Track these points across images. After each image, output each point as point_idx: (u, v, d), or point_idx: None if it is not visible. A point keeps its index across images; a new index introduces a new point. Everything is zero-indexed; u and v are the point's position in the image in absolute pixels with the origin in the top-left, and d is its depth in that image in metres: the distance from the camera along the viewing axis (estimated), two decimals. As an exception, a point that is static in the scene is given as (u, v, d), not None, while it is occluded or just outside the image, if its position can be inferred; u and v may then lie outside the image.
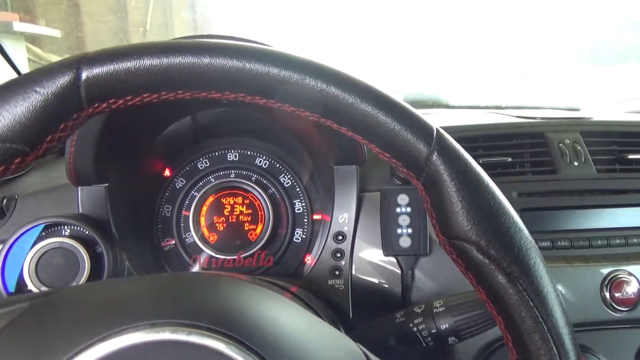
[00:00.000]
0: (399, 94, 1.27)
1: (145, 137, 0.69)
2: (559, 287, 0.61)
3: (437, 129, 0.33)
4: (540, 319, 0.31)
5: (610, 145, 0.73)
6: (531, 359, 0.32)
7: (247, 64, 0.31)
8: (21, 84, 0.29)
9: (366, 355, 0.34)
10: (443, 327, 0.48)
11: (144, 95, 0.31)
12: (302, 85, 0.31)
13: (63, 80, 0.29)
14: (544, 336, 0.31)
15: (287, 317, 0.33)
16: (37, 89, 0.29)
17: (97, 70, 0.29)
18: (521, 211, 0.66)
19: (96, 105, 0.30)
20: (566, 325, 0.32)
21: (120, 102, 0.30)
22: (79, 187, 0.60)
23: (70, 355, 0.26)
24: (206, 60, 0.31)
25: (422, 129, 0.32)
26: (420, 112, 0.33)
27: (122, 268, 0.60)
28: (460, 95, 1.30)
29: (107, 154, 0.59)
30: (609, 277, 0.60)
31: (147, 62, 0.30)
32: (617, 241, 0.64)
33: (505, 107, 1.10)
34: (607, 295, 0.60)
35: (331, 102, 0.32)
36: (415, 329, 0.49)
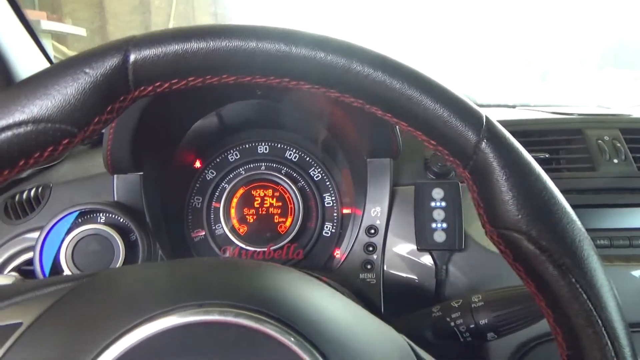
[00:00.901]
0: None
1: (177, 129, 0.69)
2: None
3: (486, 116, 0.32)
4: (594, 313, 0.30)
5: (652, 143, 0.71)
6: (583, 354, 0.31)
7: (293, 48, 0.30)
8: (71, 65, 0.29)
9: (410, 346, 0.33)
10: (482, 322, 0.47)
11: (190, 79, 0.31)
12: (348, 71, 0.31)
13: (112, 62, 0.28)
14: (597, 330, 0.30)
15: (331, 303, 0.33)
16: (87, 70, 0.28)
17: (145, 53, 0.29)
18: (558, 208, 0.64)
19: (142, 88, 0.30)
20: (621, 320, 0.31)
21: (166, 85, 0.30)
22: (115, 175, 0.61)
23: (117, 334, 0.26)
24: (252, 44, 0.30)
25: (471, 116, 0.31)
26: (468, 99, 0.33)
27: (155, 256, 0.60)
28: (488, 93, 1.28)
29: (143, 143, 0.60)
30: (652, 277, 0.58)
31: (194, 45, 0.29)
32: (660, 241, 0.62)
33: (535, 106, 1.08)
34: (649, 295, 0.58)
35: (376, 88, 0.31)
36: (452, 324, 0.48)
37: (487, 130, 0.31)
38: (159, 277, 0.33)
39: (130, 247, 0.58)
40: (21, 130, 0.27)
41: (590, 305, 0.30)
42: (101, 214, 0.59)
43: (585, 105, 1.01)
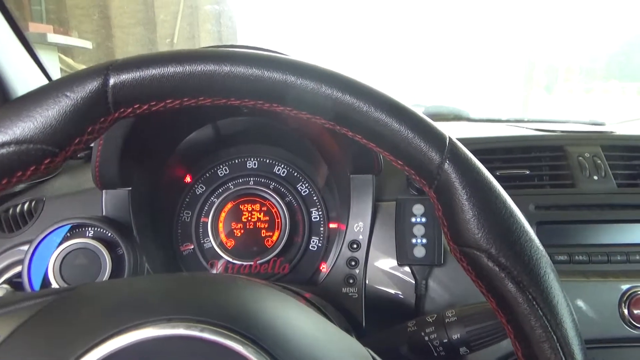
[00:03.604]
0: (419, 107, 1.28)
1: (167, 145, 0.71)
2: (577, 302, 0.60)
3: (449, 137, 0.34)
4: (550, 329, 0.31)
5: (632, 160, 0.72)
6: None
7: (265, 72, 0.32)
8: (53, 88, 0.31)
9: (374, 359, 0.34)
10: (455, 337, 0.48)
11: (167, 101, 0.32)
12: (317, 93, 0.32)
13: (92, 85, 0.30)
14: (553, 345, 0.31)
15: (298, 318, 0.34)
16: (68, 94, 0.30)
17: (124, 77, 0.30)
18: (538, 224, 0.65)
19: (122, 109, 0.32)
20: (576, 335, 0.32)
21: (145, 107, 0.32)
22: (104, 191, 0.63)
23: (90, 345, 0.27)
24: (227, 68, 0.32)
25: (434, 137, 0.33)
26: (433, 121, 0.34)
27: (141, 269, 0.62)
28: (482, 108, 1.29)
29: (131, 159, 0.62)
30: (628, 293, 0.59)
31: (170, 69, 0.31)
32: (638, 257, 0.63)
33: (527, 121, 1.09)
34: (626, 311, 0.59)
35: (346, 110, 0.32)
36: (427, 338, 0.49)
37: (450, 151, 0.33)
38: (133, 292, 0.34)
39: (117, 260, 0.60)
40: (4, 150, 0.29)
41: (546, 322, 0.31)
42: (89, 228, 0.61)
43: (575, 121, 1.02)
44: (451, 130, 0.76)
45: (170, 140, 0.72)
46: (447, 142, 0.33)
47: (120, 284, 0.38)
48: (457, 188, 0.32)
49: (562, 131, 0.76)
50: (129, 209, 0.63)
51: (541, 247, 0.33)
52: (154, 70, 0.31)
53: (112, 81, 0.30)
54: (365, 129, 0.33)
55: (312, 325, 0.34)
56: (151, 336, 0.28)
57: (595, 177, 0.68)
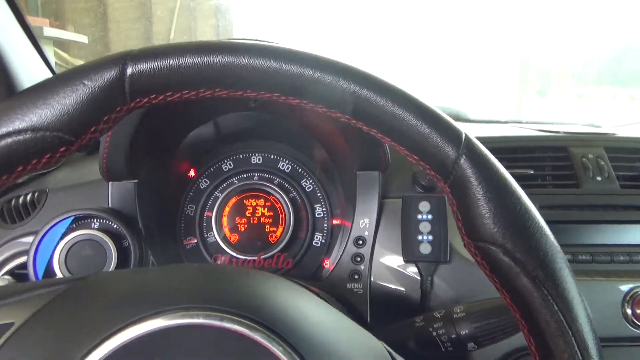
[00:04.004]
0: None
1: (174, 138, 0.71)
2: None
3: (465, 133, 0.34)
4: (565, 324, 0.31)
5: (635, 161, 0.73)
6: None
7: (283, 65, 0.32)
8: (70, 77, 0.30)
9: (390, 353, 0.34)
10: (463, 332, 0.48)
11: (184, 92, 0.32)
12: (335, 87, 0.32)
13: (109, 74, 0.30)
14: (568, 340, 0.31)
15: (315, 310, 0.34)
16: (85, 82, 0.30)
17: (142, 66, 0.30)
18: (542, 223, 0.66)
19: (138, 99, 0.31)
20: (591, 330, 0.32)
21: (161, 97, 0.32)
22: (110, 182, 0.62)
23: (106, 335, 0.27)
24: (244, 60, 0.32)
25: (451, 133, 0.33)
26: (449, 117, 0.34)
27: (146, 262, 0.62)
28: (480, 110, 1.30)
29: (139, 151, 0.61)
30: (631, 293, 0.60)
31: (188, 60, 0.31)
32: (640, 257, 0.64)
33: (526, 122, 1.10)
34: (629, 311, 0.59)
35: (362, 104, 0.33)
36: (434, 334, 0.49)
37: (466, 147, 0.33)
38: (148, 282, 0.34)
39: (123, 252, 0.60)
40: (20, 137, 0.29)
41: (562, 316, 0.31)
42: (95, 220, 0.60)
43: (574, 123, 1.03)
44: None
45: (177, 134, 0.71)
46: (464, 137, 0.33)
47: (134, 274, 0.38)
48: (473, 183, 0.32)
49: (566, 132, 0.77)
50: (135, 201, 0.63)
51: (556, 243, 0.33)
52: (171, 61, 0.31)
53: (129, 70, 0.30)
54: (381, 123, 0.33)
55: (328, 316, 0.34)
56: (168, 324, 0.28)
57: (599, 178, 0.68)
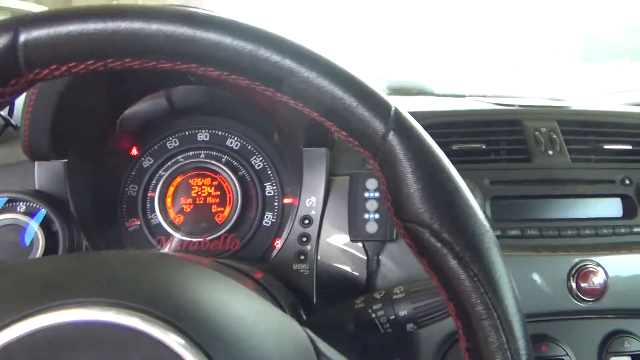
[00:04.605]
0: (382, 81, 1.26)
1: (108, 114, 0.67)
2: (528, 276, 0.60)
3: (395, 107, 0.32)
4: (490, 306, 0.30)
5: (587, 135, 0.72)
6: (480, 347, 0.31)
7: (197, 32, 0.29)
8: None
9: (311, 339, 0.33)
10: (402, 313, 0.47)
11: (89, 63, 0.29)
12: (256, 57, 0.29)
13: None
14: (493, 323, 0.30)
15: (227, 300, 0.32)
16: None
17: (37, 33, 0.27)
18: (493, 199, 0.65)
19: (37, 71, 0.28)
20: (517, 312, 0.31)
21: (64, 68, 0.28)
22: (36, 162, 0.58)
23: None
24: (154, 26, 0.29)
25: (379, 106, 0.31)
26: (380, 90, 0.32)
27: (79, 247, 0.58)
28: (447, 83, 1.28)
29: (66, 127, 0.57)
30: (577, 267, 0.59)
31: (91, 26, 0.28)
32: (587, 231, 0.63)
33: (490, 96, 1.08)
34: (574, 285, 0.59)
35: (286, 76, 0.30)
36: (373, 315, 0.48)
37: (395, 121, 0.31)
38: (49, 272, 0.31)
39: (52, 237, 0.56)
40: None
41: (487, 299, 0.30)
42: (21, 203, 0.57)
43: (533, 96, 1.02)
44: (413, 105, 0.74)
45: (114, 108, 0.67)
46: (393, 111, 0.31)
47: (35, 263, 0.35)
48: (401, 160, 0.30)
49: (520, 105, 0.75)
50: (65, 182, 0.59)
51: (485, 223, 0.32)
52: (71, 27, 0.27)
53: (22, 38, 0.27)
54: (306, 96, 0.30)
55: (244, 307, 0.32)
56: (57, 322, 0.25)
57: (551, 152, 0.67)
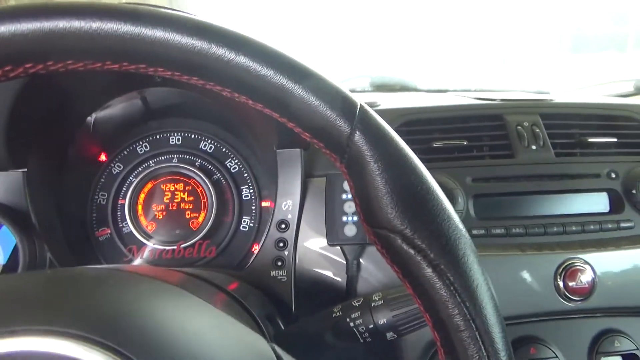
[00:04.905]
0: (364, 77, 1.23)
1: (73, 118, 0.63)
2: (514, 276, 0.58)
3: (361, 104, 0.30)
4: (469, 316, 0.28)
5: (571, 128, 0.70)
6: (460, 359, 0.29)
7: (143, 30, 0.26)
8: None
9: (277, 356, 0.30)
10: (381, 322, 0.44)
11: (27, 66, 0.26)
12: (207, 55, 0.27)
13: None
14: (472, 335, 0.28)
15: (181, 321, 0.29)
16: None
17: None
18: (475, 197, 0.62)
19: None
20: (497, 322, 0.29)
21: (20, 70, 0.26)
22: None
23: None
24: (95, 24, 0.26)
25: (343, 104, 0.28)
26: (345, 87, 0.30)
27: (42, 260, 0.55)
28: (429, 79, 1.26)
29: (24, 135, 0.54)
30: (564, 266, 0.57)
31: (23, 26, 0.25)
32: (574, 228, 0.61)
33: (474, 91, 1.06)
34: (561, 284, 0.57)
35: (241, 75, 0.27)
36: (352, 324, 0.45)
37: (360, 121, 0.29)
38: None
39: (13, 251, 0.53)
40: None
41: (465, 308, 0.28)
42: (-22, 216, 0.53)
43: (515, 90, 1.00)
44: (396, 101, 0.71)
45: (78, 112, 0.64)
46: (358, 109, 0.29)
47: None
48: (368, 162, 0.28)
49: (502, 100, 0.73)
50: (24, 193, 0.55)
51: (461, 226, 0.30)
52: (2, 28, 0.25)
53: None
54: (265, 96, 0.28)
55: (201, 326, 0.30)
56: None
57: (534, 147, 0.65)
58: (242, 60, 0.28)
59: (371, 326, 0.45)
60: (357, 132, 0.29)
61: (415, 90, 1.17)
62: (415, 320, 0.44)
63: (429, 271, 0.28)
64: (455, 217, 0.30)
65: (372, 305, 0.45)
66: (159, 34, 0.27)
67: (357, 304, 0.46)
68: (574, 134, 0.70)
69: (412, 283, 0.30)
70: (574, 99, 0.76)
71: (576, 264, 0.57)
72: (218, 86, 0.29)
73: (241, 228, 0.70)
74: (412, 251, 0.28)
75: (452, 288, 0.28)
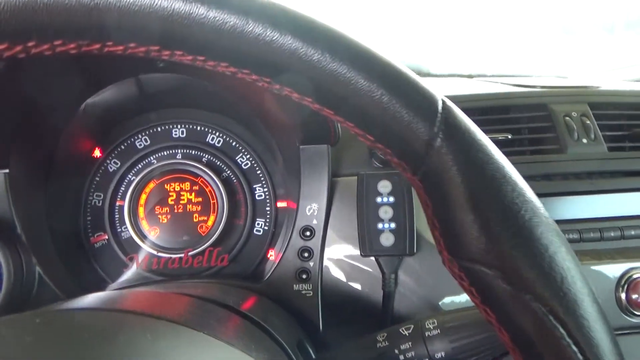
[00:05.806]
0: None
1: (62, 109, 0.55)
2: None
3: (443, 100, 0.23)
4: None
5: (621, 119, 0.63)
6: None
7: (156, 1, 0.20)
8: None
9: None
10: (438, 355, 0.38)
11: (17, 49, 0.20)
12: (243, 34, 0.21)
13: None
14: None
15: None
16: None
17: None
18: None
19: None
20: None
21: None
22: None
23: None
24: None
25: (422, 101, 0.22)
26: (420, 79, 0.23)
27: (30, 276, 0.47)
28: (443, 63, 1.18)
29: (2, 130, 0.46)
30: (626, 277, 0.51)
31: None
32: (633, 232, 0.55)
33: (492, 76, 0.99)
34: (623, 296, 0.51)
35: (287, 59, 0.22)
36: (402, 357, 0.39)
37: (444, 122, 0.22)
38: None
39: (-6, 268, 0.45)
40: None
41: None
42: (-48, 226, 0.45)
43: (544, 75, 0.93)
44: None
45: (67, 103, 0.55)
46: (440, 107, 0.22)
47: None
48: (453, 177, 0.22)
49: (543, 86, 0.66)
50: (7, 198, 0.47)
51: (574, 257, 0.23)
52: None
53: None
54: (318, 88, 0.22)
55: None
56: None
57: (585, 141, 0.58)
58: (289, 42, 0.22)
59: (426, 359, 0.38)
60: (441, 136, 0.22)
61: (429, 75, 1.09)
62: (478, 353, 0.38)
63: (538, 319, 0.22)
64: (566, 246, 0.23)
65: (427, 334, 0.39)
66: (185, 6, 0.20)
67: (406, 332, 0.40)
68: (622, 126, 0.63)
69: (512, 332, 0.23)
70: (621, 87, 0.69)
71: (638, 275, 0.51)
72: (254, 75, 0.23)
73: (255, 232, 0.62)
74: (515, 292, 0.22)
75: (570, 343, 0.22)
